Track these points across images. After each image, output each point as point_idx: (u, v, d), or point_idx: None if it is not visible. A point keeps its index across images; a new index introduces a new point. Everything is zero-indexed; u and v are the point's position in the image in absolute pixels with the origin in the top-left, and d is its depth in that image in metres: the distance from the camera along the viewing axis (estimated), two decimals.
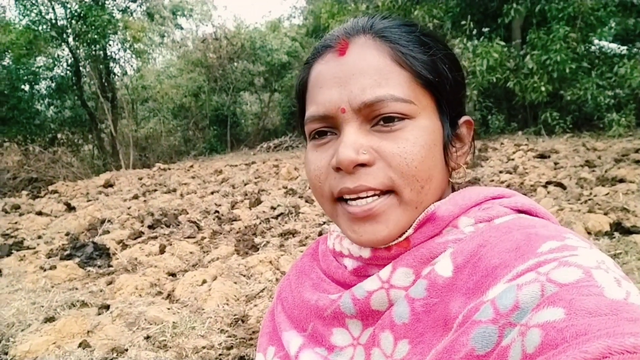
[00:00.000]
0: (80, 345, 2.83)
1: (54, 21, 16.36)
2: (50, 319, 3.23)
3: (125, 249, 4.99)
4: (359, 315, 0.64)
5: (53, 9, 16.27)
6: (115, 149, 16.98)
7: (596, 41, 11.97)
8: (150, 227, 5.95)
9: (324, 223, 5.36)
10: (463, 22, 12.01)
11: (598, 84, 10.84)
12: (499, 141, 11.29)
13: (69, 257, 4.77)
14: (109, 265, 4.59)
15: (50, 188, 10.68)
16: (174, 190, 9.18)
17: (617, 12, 11.15)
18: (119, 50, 19.11)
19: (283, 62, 19.68)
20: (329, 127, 0.65)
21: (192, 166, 13.26)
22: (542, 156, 8.54)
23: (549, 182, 6.18)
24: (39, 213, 7.52)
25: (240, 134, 21.16)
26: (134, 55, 19.35)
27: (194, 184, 9.78)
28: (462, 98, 0.70)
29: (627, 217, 4.38)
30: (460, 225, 0.62)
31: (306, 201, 6.70)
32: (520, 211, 0.65)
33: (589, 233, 4.14)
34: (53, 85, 17.78)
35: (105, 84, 18.07)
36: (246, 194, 7.91)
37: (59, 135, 17.77)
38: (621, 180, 5.87)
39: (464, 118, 0.69)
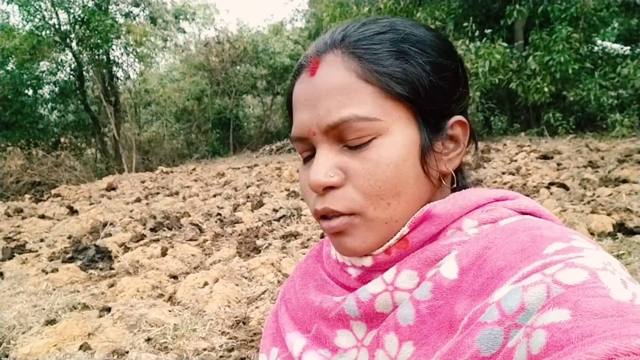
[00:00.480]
0: (81, 347, 2.82)
1: (57, 26, 16.43)
2: (51, 322, 3.22)
3: (127, 252, 4.99)
4: (364, 317, 0.63)
5: (56, 14, 16.34)
6: (118, 153, 17.03)
7: (599, 42, 11.96)
8: (152, 229, 5.95)
9: None
10: (465, 24, 12.02)
11: (601, 84, 10.81)
12: (502, 142, 11.28)
13: (71, 260, 4.78)
14: (111, 268, 4.59)
15: (53, 192, 10.70)
16: (177, 193, 9.19)
17: (620, 12, 11.13)
18: (121, 54, 19.14)
19: (285, 65, 19.70)
20: (308, 147, 0.66)
21: (194, 169, 13.27)
22: (544, 157, 8.52)
23: (552, 183, 6.16)
24: (42, 216, 7.54)
25: (243, 137, 21.18)
26: (136, 60, 19.38)
27: (197, 187, 9.79)
28: (451, 100, 0.65)
29: (630, 217, 4.36)
30: (464, 227, 0.62)
31: None
32: (524, 213, 0.63)
33: (592, 234, 4.12)
34: (56, 89, 17.83)
35: (108, 88, 18.13)
36: (248, 197, 7.91)
37: (62, 139, 17.82)
38: (624, 181, 5.85)
39: (455, 118, 0.65)
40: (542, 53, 11.00)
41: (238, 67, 20.35)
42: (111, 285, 4.03)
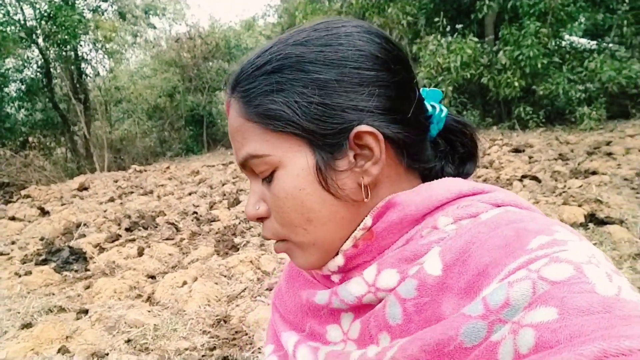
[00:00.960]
0: (59, 351, 2.77)
1: (22, 22, 15.99)
2: (27, 325, 3.15)
3: (103, 253, 4.91)
4: (351, 309, 0.66)
5: (21, 9, 15.91)
6: (89, 152, 16.70)
7: (567, 36, 12.19)
8: (127, 229, 5.87)
9: None
10: (436, 19, 12.12)
11: (569, 78, 11.03)
12: None
13: (45, 262, 4.67)
14: (86, 270, 4.51)
15: (23, 192, 10.42)
16: (151, 192, 9.06)
17: (587, 7, 11.37)
18: (90, 50, 18.75)
19: None
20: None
21: (168, 167, 13.10)
22: (516, 150, 8.67)
23: (524, 176, 6.28)
24: (12, 218, 7.34)
25: (217, 133, 20.99)
26: (106, 56, 19.05)
27: (171, 186, 9.67)
28: (351, 110, 0.61)
29: (600, 208, 4.47)
30: (439, 225, 0.61)
31: None
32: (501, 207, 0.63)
33: None
34: (23, 87, 17.37)
35: (77, 86, 17.74)
36: (224, 194, 7.86)
37: (30, 139, 17.39)
38: (594, 173, 6.00)
39: (357, 129, 0.60)
40: (511, 48, 11.16)
41: (210, 63, 20.17)
42: (87, 287, 3.96)
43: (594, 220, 4.20)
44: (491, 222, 0.58)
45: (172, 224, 5.95)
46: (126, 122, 20.92)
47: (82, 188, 10.28)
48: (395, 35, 12.60)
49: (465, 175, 0.74)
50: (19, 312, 3.42)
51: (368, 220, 0.63)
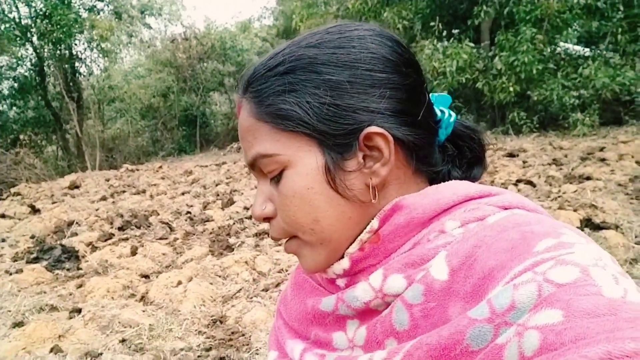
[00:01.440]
0: (51, 350, 2.73)
1: (17, 20, 15.91)
2: (19, 324, 3.11)
3: (95, 251, 4.86)
4: (357, 315, 0.65)
5: (17, 7, 15.83)
6: (81, 150, 16.60)
7: (562, 43, 12.28)
8: (120, 228, 5.81)
9: None
10: (433, 24, 12.15)
11: (563, 84, 11.11)
12: None
13: (36, 260, 4.61)
14: (79, 268, 4.46)
15: (13, 190, 10.32)
16: (144, 191, 9.00)
17: (582, 15, 11.44)
18: (85, 49, 18.67)
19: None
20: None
21: (161, 167, 13.03)
22: (511, 155, 8.72)
23: (519, 180, 6.30)
24: (2, 216, 7.26)
25: (210, 134, 20.93)
26: (100, 55, 18.94)
27: (164, 185, 9.62)
28: (362, 111, 0.61)
29: (595, 213, 4.49)
30: (446, 229, 0.60)
31: None
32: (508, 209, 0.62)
33: None
34: (16, 85, 17.27)
35: (71, 84, 17.64)
36: (218, 195, 7.82)
37: (21, 137, 17.23)
38: (588, 178, 6.03)
39: (367, 130, 0.61)
40: (507, 53, 11.23)
41: (205, 64, 20.11)
42: (80, 286, 3.91)
43: (589, 225, 4.21)
44: (498, 225, 0.57)
45: (166, 223, 5.91)
46: (119, 121, 20.81)
47: (74, 186, 10.20)
48: None
49: (472, 179, 0.73)
50: (10, 311, 3.37)
51: (375, 223, 0.63)
